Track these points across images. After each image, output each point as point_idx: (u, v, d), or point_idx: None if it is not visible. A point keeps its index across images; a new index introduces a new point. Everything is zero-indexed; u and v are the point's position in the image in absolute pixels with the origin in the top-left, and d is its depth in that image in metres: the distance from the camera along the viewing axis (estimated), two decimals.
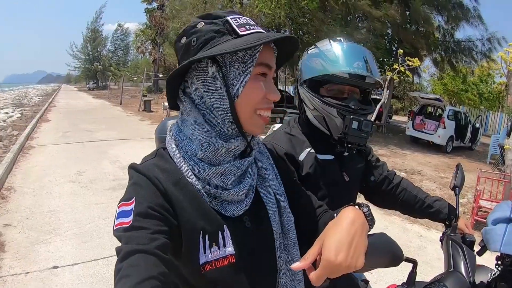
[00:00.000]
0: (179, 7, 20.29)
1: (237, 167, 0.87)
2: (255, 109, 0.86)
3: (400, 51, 8.80)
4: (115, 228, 0.74)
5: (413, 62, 7.95)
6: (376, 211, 5.58)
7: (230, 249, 0.84)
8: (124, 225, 0.73)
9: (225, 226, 0.85)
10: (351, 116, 1.37)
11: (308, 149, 1.46)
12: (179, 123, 0.91)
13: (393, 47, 17.26)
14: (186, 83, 0.89)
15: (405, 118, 23.47)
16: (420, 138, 15.15)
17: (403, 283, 1.06)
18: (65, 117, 17.11)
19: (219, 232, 0.84)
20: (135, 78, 43.21)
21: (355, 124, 1.37)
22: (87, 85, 63.98)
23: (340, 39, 1.48)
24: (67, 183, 6.40)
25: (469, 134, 15.40)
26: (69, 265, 3.66)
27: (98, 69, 58.86)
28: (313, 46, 1.52)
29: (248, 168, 0.92)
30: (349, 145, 1.44)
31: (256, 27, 0.85)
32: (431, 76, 27.38)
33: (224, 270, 0.83)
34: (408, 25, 16.54)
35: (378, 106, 8.45)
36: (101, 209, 5.20)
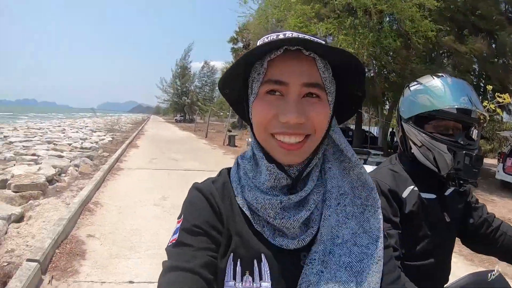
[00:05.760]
0: None
1: (280, 201, 0.78)
2: (269, 132, 0.78)
3: (489, 87, 8.30)
4: (168, 245, 0.80)
5: (504, 99, 7.40)
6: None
7: (266, 285, 0.76)
8: (173, 241, 0.78)
9: (263, 255, 0.78)
10: (464, 152, 1.39)
11: (412, 187, 1.48)
12: None
13: (480, 83, 16.38)
14: None
15: (494, 161, 21.67)
16: None
17: None
18: (153, 145, 18.27)
19: (254, 260, 0.78)
20: (220, 114, 45.11)
21: (467, 160, 1.39)
22: (175, 118, 68.88)
23: (442, 75, 1.53)
24: (151, 206, 6.72)
25: None
26: (144, 282, 3.80)
27: (185, 103, 63.14)
28: (415, 82, 1.58)
29: (308, 199, 0.81)
30: (461, 182, 1.45)
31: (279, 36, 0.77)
32: None
33: None
34: (495, 58, 15.67)
35: None
36: None
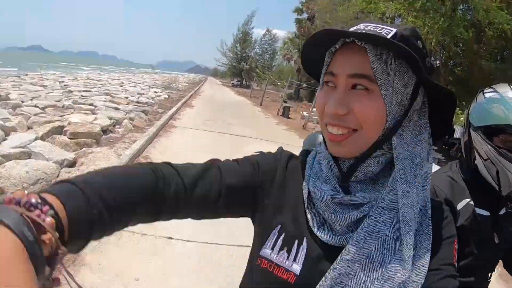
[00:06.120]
0: (330, 20, 20.67)
1: (332, 197, 0.77)
2: (323, 122, 0.80)
3: None
4: None
5: None
6: None
7: (296, 267, 0.77)
8: None
9: (305, 239, 0.80)
10: None
11: (468, 200, 1.43)
12: None
13: None
14: None
15: None
16: None
17: None
18: (207, 107, 18.58)
19: (296, 240, 0.80)
20: (278, 83, 45.21)
21: None
22: (232, 82, 70.22)
23: None
24: None
25: None
26: (183, 240, 3.93)
27: (244, 69, 64.14)
28: (491, 89, 1.47)
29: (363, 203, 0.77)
30: None
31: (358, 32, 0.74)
32: None
33: (275, 281, 0.78)
34: None
35: None
36: None
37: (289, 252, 0.79)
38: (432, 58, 15.59)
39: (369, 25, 0.76)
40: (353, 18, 17.17)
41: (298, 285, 0.76)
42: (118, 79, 32.45)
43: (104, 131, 8.21)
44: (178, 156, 7.20)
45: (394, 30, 0.73)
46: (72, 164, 5.60)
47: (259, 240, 0.84)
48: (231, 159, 0.92)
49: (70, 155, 5.77)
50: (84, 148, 6.61)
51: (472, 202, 1.41)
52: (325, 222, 0.79)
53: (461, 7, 14.63)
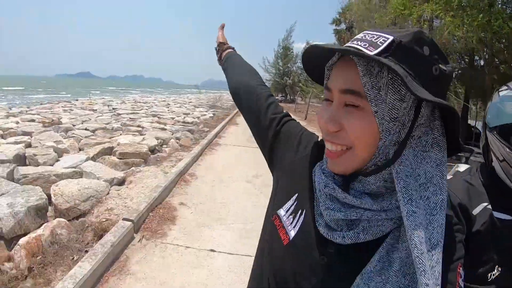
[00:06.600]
0: (367, 28, 20.57)
1: (325, 184, 0.79)
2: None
3: None
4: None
5: None
6: None
7: (292, 233, 0.86)
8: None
9: (304, 212, 0.87)
10: None
11: (485, 204, 1.37)
12: None
13: None
14: None
15: None
16: None
17: None
18: None
19: (299, 211, 0.89)
20: (321, 96, 45.07)
21: None
22: (276, 98, 70.32)
23: None
24: (243, 182, 7.04)
25: None
26: (225, 252, 4.06)
27: (287, 84, 63.99)
28: (506, 87, 1.41)
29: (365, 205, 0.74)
30: None
31: (354, 43, 0.72)
32: None
33: (275, 237, 0.90)
34: None
35: None
36: None
37: (294, 218, 0.88)
38: (476, 58, 15.06)
39: (369, 33, 0.72)
40: (390, 24, 16.99)
41: (287, 248, 0.85)
42: (164, 101, 33.53)
43: (152, 150, 8.59)
44: (222, 173, 7.46)
45: (390, 38, 0.68)
46: (121, 182, 5.92)
47: (281, 197, 0.96)
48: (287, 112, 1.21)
49: (119, 174, 6.10)
50: (132, 168, 6.96)
51: (489, 206, 1.36)
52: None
53: (500, 1, 14.18)
